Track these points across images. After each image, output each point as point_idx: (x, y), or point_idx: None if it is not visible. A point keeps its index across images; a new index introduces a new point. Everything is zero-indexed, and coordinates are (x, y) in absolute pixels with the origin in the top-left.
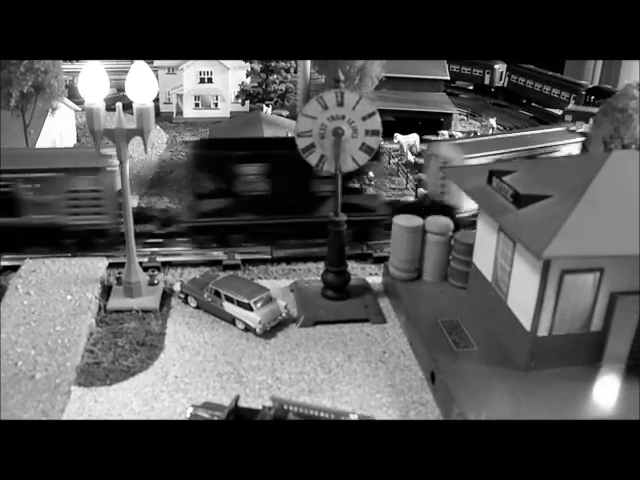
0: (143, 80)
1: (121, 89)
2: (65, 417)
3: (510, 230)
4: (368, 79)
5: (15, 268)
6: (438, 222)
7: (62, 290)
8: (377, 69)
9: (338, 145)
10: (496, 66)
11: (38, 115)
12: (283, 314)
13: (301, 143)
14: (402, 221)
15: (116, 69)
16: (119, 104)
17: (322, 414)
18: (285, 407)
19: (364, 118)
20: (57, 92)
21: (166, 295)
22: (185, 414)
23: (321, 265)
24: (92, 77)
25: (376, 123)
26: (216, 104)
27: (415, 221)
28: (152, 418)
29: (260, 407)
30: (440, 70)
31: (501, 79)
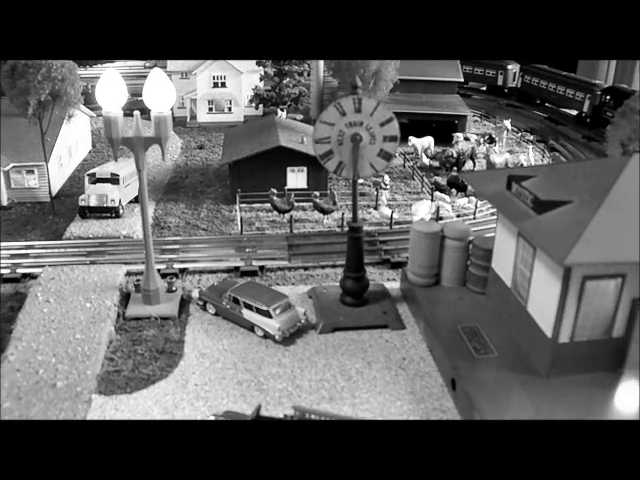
0: (161, 88)
1: (135, 94)
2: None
3: (531, 236)
4: (383, 83)
5: (34, 276)
6: (457, 228)
7: (81, 298)
8: (392, 73)
9: (356, 151)
10: (509, 67)
11: (54, 122)
12: (302, 321)
13: (319, 149)
14: (421, 227)
15: (130, 74)
16: (137, 112)
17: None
18: (307, 416)
19: (382, 124)
20: (74, 100)
21: (184, 302)
22: None
23: (339, 271)
24: (110, 86)
25: (394, 129)
26: (230, 108)
27: (434, 227)
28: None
29: (281, 416)
30: (454, 72)
31: (514, 80)
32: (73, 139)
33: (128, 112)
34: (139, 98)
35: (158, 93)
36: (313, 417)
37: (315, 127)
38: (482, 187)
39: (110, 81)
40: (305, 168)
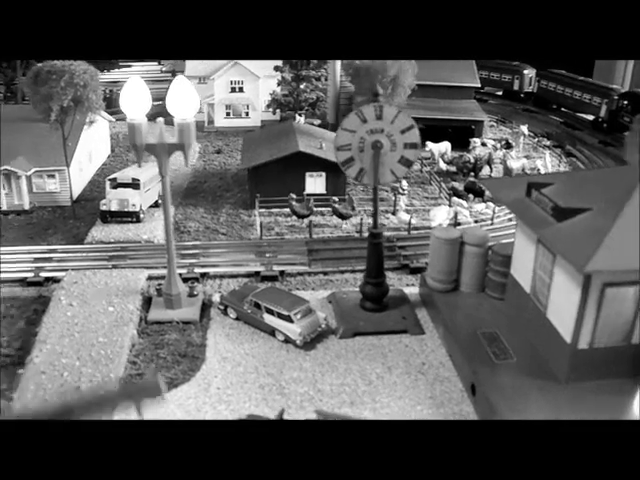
0: (185, 95)
1: (156, 99)
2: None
3: (550, 243)
4: (401, 89)
5: (57, 279)
6: (476, 234)
7: (104, 301)
8: (409, 79)
9: (377, 158)
10: (525, 71)
11: (75, 127)
12: (322, 325)
13: (340, 156)
14: (440, 233)
15: (146, 78)
16: (161, 119)
17: None
18: (330, 420)
19: (403, 131)
20: (95, 105)
21: (205, 306)
22: None
23: (358, 276)
24: (134, 92)
25: (414, 136)
26: (247, 113)
27: (453, 233)
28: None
29: (304, 420)
30: (470, 77)
31: (530, 84)
32: (93, 144)
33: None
34: (155, 103)
35: (182, 100)
36: (335, 420)
37: (336, 134)
38: (501, 194)
39: (134, 88)
40: (324, 173)
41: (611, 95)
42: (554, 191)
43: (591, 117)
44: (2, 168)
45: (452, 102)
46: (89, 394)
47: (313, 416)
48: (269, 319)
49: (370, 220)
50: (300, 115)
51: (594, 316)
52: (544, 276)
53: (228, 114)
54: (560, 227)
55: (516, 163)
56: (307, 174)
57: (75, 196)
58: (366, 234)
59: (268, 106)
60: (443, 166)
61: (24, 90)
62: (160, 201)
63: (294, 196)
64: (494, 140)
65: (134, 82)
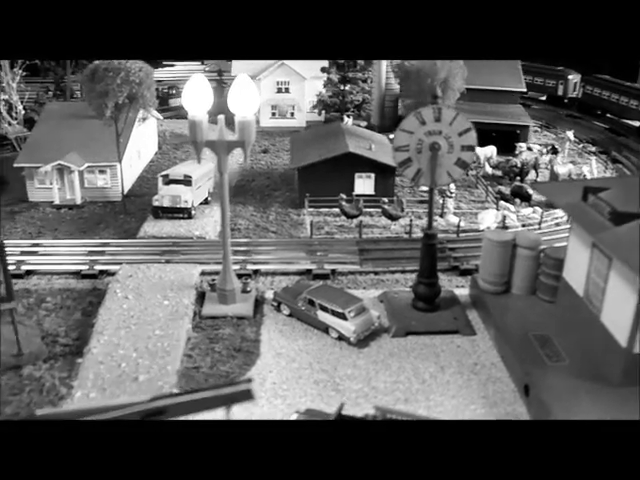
0: (246, 94)
1: None
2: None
3: (607, 247)
4: (451, 92)
5: (111, 272)
6: (528, 237)
7: (159, 295)
8: (459, 82)
9: (435, 160)
10: (570, 76)
11: (127, 124)
12: (376, 324)
13: (398, 157)
14: (493, 235)
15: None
16: (221, 117)
17: None
18: (389, 416)
19: (460, 134)
20: (149, 103)
21: (258, 302)
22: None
23: (408, 276)
24: (196, 90)
25: (472, 139)
26: (292, 114)
27: (506, 235)
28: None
29: (362, 415)
30: (516, 82)
31: (575, 90)
32: (142, 141)
33: (184, 116)
34: None
35: (243, 98)
36: (394, 417)
37: (395, 135)
38: (557, 197)
39: (197, 85)
40: (373, 174)
41: None
42: (611, 195)
43: (637, 123)
44: (56, 163)
45: (498, 106)
46: (183, 396)
47: (371, 412)
48: (323, 316)
49: (418, 222)
50: (348, 116)
51: None
52: (599, 280)
53: (274, 114)
54: (618, 231)
55: (563, 168)
56: (356, 175)
57: (125, 192)
58: (415, 235)
59: (314, 107)
60: (489, 170)
61: (72, 88)
62: (210, 198)
63: (344, 196)
64: (540, 145)
65: (196, 80)
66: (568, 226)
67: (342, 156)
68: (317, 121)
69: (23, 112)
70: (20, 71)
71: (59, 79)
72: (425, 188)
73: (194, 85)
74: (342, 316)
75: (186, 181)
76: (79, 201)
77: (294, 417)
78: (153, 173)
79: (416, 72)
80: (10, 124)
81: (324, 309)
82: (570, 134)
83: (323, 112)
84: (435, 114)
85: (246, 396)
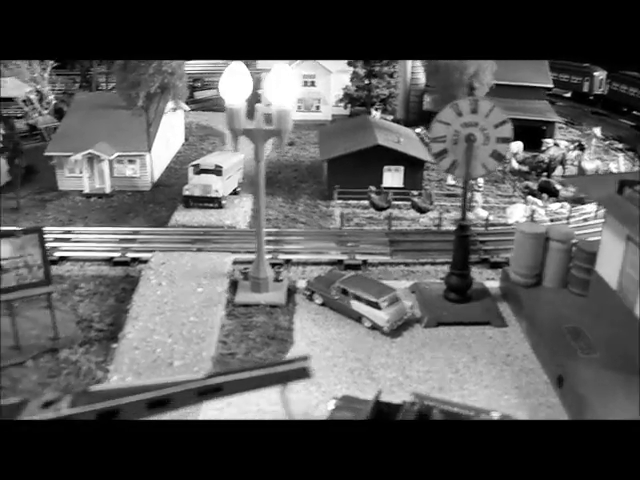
0: (284, 84)
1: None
2: (203, 405)
3: None
4: (480, 87)
5: (143, 260)
6: (561, 230)
7: (192, 282)
8: (488, 76)
9: (470, 151)
10: (596, 73)
11: (157, 114)
12: (408, 314)
13: (434, 148)
14: (525, 228)
15: (217, 71)
16: (259, 105)
17: (464, 411)
18: (427, 403)
19: (496, 126)
20: (180, 93)
21: (290, 291)
22: (327, 407)
23: (439, 268)
24: (234, 78)
25: (507, 131)
26: (318, 107)
27: (538, 228)
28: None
29: (400, 402)
30: (543, 78)
31: (601, 87)
32: (169, 132)
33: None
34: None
35: (281, 87)
36: (431, 404)
37: (431, 126)
38: (591, 191)
39: (235, 73)
40: (401, 167)
41: None
42: None
43: None
44: (86, 152)
45: (525, 102)
46: (239, 374)
47: (408, 399)
48: (356, 305)
49: (446, 215)
50: (376, 110)
51: None
52: (633, 274)
53: (299, 107)
54: None
55: (590, 164)
56: (385, 168)
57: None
58: (444, 228)
59: (340, 100)
60: (515, 165)
61: (98, 80)
62: (239, 189)
63: (373, 188)
64: (566, 141)
65: (234, 68)
66: (596, 221)
67: (371, 149)
68: (342, 115)
69: (54, 102)
70: (51, 62)
71: (85, 71)
72: (452, 182)
73: (232, 73)
74: (376, 305)
75: (217, 171)
76: (108, 190)
77: (332, 403)
78: (180, 164)
79: (445, 66)
80: (41, 114)
81: (358, 298)
82: (597, 131)
83: (349, 106)
84: (472, 106)
85: (303, 374)
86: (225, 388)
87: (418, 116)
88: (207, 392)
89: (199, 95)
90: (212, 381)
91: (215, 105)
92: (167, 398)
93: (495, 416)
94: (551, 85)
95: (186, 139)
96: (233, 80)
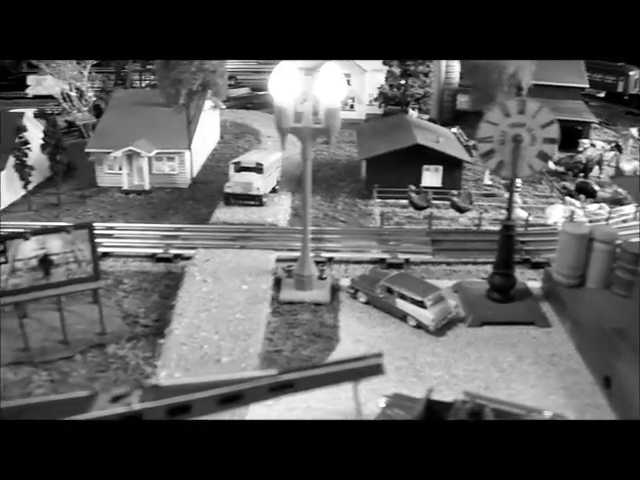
0: (333, 82)
1: (255, 88)
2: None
3: None
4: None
5: (185, 257)
6: (605, 231)
7: (237, 280)
8: (527, 77)
9: (517, 151)
10: (631, 73)
11: (196, 112)
12: (453, 313)
13: (482, 148)
14: (570, 228)
15: (250, 69)
16: (308, 104)
17: (516, 410)
18: (479, 402)
19: (543, 126)
20: (221, 91)
21: (333, 289)
22: (378, 404)
23: (480, 267)
24: (283, 77)
25: (554, 132)
26: (352, 106)
27: (582, 228)
28: (338, 407)
29: (451, 400)
30: (579, 78)
31: (636, 86)
32: (206, 129)
33: (247, 106)
34: (259, 93)
35: (331, 86)
36: (483, 402)
37: (479, 126)
38: (637, 191)
39: (284, 72)
40: (441, 167)
41: None
42: None
43: None
44: (126, 149)
45: (560, 102)
46: (312, 370)
47: (458, 397)
48: (402, 304)
49: (485, 215)
50: (413, 109)
51: None
52: None
53: None
54: None
55: (628, 165)
56: (424, 167)
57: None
58: (485, 227)
59: (375, 99)
60: (551, 166)
61: (132, 78)
62: (278, 187)
63: (413, 188)
64: (603, 142)
65: (284, 67)
66: (635, 222)
67: (410, 148)
68: (376, 114)
69: (93, 99)
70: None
71: (120, 68)
72: (489, 182)
73: (281, 72)
74: (421, 304)
75: (257, 169)
76: (147, 187)
77: (383, 401)
78: (217, 161)
79: (484, 65)
80: (80, 111)
81: (403, 297)
82: (634, 131)
83: (383, 105)
84: (519, 106)
85: (376, 370)
86: (297, 385)
87: (452, 116)
88: (279, 388)
89: (233, 93)
90: (284, 377)
91: (248, 103)
92: (239, 394)
93: (547, 415)
94: (586, 85)
95: (221, 137)
96: (282, 79)
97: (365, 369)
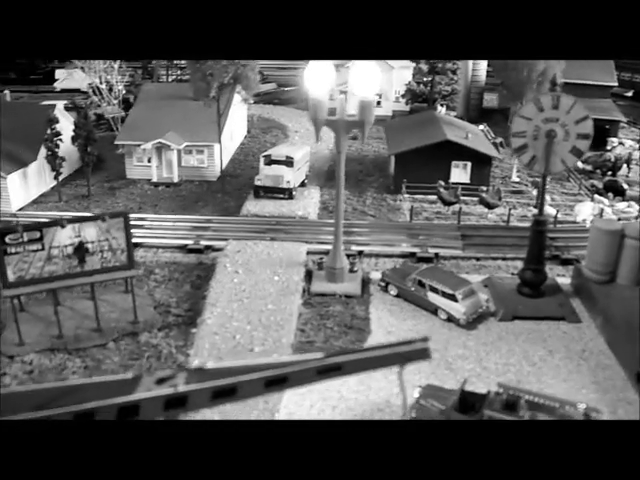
0: (367, 75)
1: (282, 84)
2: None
3: None
4: (548, 84)
5: (216, 248)
6: (637, 227)
7: (268, 271)
8: (557, 74)
9: (550, 147)
10: None
11: (226, 106)
12: (484, 307)
13: (515, 143)
14: (601, 224)
15: (277, 65)
16: (342, 97)
17: (550, 402)
18: (513, 393)
19: (577, 122)
20: (252, 84)
21: (364, 282)
22: (412, 394)
23: (510, 263)
24: (319, 70)
25: (588, 127)
26: (379, 102)
27: (614, 225)
28: (370, 397)
29: (485, 391)
30: (608, 76)
31: None
32: (234, 123)
33: (271, 101)
34: (285, 88)
35: (364, 79)
36: (519, 394)
37: (513, 121)
38: None
39: (319, 66)
40: (469, 163)
41: None
42: None
43: None
44: (156, 141)
45: (589, 101)
46: (359, 353)
47: (493, 389)
48: (433, 297)
49: (513, 211)
50: (442, 106)
51: None
52: None
53: None
54: None
55: None
56: (453, 163)
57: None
58: (513, 224)
59: (403, 96)
60: (579, 164)
61: (159, 73)
62: (307, 180)
63: (442, 183)
64: (632, 141)
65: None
66: None
67: (439, 144)
68: (402, 110)
69: (123, 92)
70: None
71: (147, 62)
72: (516, 179)
73: (316, 66)
74: (452, 298)
75: (288, 162)
76: (176, 179)
77: (417, 391)
78: (245, 155)
79: (514, 63)
80: (110, 104)
81: (434, 290)
82: None
83: (410, 102)
84: (554, 101)
85: (422, 355)
86: (345, 367)
87: (478, 113)
88: (326, 371)
89: (260, 88)
90: (332, 360)
91: (275, 99)
92: (285, 376)
93: (581, 408)
94: (615, 83)
95: (248, 131)
96: (317, 72)
97: (412, 353)
